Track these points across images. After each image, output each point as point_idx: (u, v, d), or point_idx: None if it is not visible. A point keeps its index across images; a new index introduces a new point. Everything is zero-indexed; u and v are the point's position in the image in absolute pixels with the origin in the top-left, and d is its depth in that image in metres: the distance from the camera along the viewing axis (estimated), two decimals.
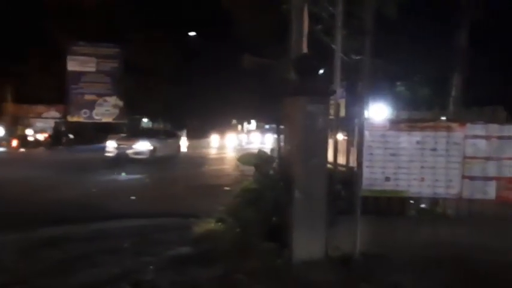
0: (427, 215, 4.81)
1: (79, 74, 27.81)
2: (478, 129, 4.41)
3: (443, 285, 3.91)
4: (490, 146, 4.39)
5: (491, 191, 4.43)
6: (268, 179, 4.58)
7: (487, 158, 4.40)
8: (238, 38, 18.12)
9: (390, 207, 4.70)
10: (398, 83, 18.46)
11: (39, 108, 29.10)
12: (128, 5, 26.19)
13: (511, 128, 4.43)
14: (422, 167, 4.46)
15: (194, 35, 30.07)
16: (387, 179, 4.53)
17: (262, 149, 5.02)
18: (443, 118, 5.09)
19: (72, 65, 27.61)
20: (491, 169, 4.41)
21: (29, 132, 24.90)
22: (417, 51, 15.35)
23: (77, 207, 7.46)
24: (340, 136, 5.15)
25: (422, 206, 4.96)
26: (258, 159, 4.75)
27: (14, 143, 22.13)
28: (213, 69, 30.60)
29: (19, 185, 10.00)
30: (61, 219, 6.32)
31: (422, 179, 4.51)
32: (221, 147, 29.10)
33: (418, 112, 4.91)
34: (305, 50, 5.45)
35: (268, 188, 4.44)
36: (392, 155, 4.49)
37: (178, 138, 21.43)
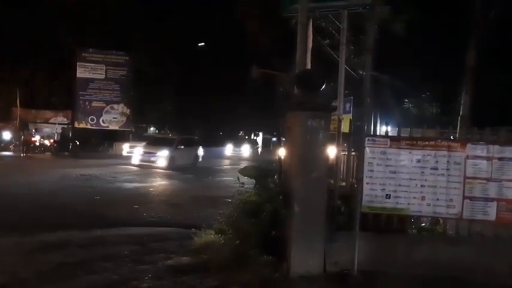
0: (427, 234, 4.78)
1: (88, 81, 28.13)
2: (479, 149, 4.40)
3: None
4: (491, 167, 4.38)
5: (491, 212, 4.40)
6: (268, 191, 4.61)
7: (488, 179, 4.38)
8: (248, 50, 18.34)
9: (390, 224, 4.68)
10: (406, 100, 18.44)
11: (47, 113, 29.41)
12: (137, 13, 26.65)
13: None
14: (422, 186, 4.45)
15: (202, 45, 30.41)
16: (387, 196, 4.51)
17: (264, 162, 5.05)
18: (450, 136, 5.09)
19: (82, 71, 27.94)
20: (492, 190, 4.39)
21: (35, 137, 25.13)
22: (425, 69, 15.39)
23: (79, 214, 7.52)
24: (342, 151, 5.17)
25: (423, 224, 4.93)
26: (259, 172, 4.78)
27: (21, 147, 22.33)
28: (221, 80, 30.90)
29: (24, 189, 10.09)
30: (63, 224, 6.38)
31: (423, 198, 4.49)
32: (233, 158, 29.27)
33: (420, 129, 4.91)
34: (309, 65, 5.51)
35: (268, 200, 4.47)
36: (393, 172, 4.48)
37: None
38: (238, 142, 35.17)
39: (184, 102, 30.18)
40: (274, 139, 36.36)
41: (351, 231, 4.26)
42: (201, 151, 21.90)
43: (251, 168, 4.97)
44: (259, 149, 35.16)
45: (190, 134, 28.83)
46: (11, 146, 23.29)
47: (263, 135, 47.63)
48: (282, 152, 5.17)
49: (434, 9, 14.08)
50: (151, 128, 33.53)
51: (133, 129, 28.59)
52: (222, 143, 35.27)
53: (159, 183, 13.22)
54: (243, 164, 21.49)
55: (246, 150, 32.82)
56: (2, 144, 23.72)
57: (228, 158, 29.94)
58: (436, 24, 14.19)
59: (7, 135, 24.72)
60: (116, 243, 5.45)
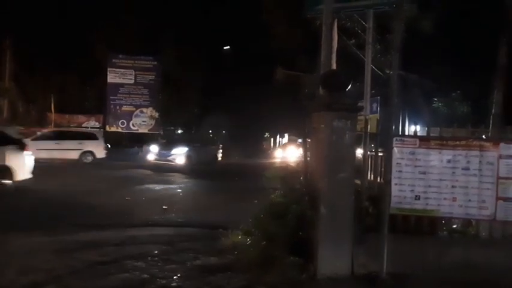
0: (459, 236, 4.66)
1: (118, 86, 28.92)
2: None
3: None
4: None
5: None
6: (294, 192, 4.62)
7: None
8: (272, 52, 18.39)
9: (420, 226, 4.58)
10: (435, 99, 18.00)
11: (80, 118, 30.45)
12: (163, 18, 27.25)
13: None
14: (453, 187, 4.34)
15: (228, 49, 30.71)
16: (417, 197, 4.43)
17: (289, 163, 5.07)
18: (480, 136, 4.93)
19: (112, 77, 28.76)
20: None
21: None
22: (455, 67, 14.97)
23: (111, 214, 7.74)
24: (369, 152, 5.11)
25: (454, 226, 4.81)
26: (285, 173, 4.80)
27: None
28: (246, 82, 31.08)
29: (58, 191, 10.48)
30: (96, 225, 6.59)
31: (454, 199, 4.38)
32: (265, 159, 29.44)
33: (450, 129, 4.78)
34: (334, 65, 5.49)
35: (294, 201, 4.48)
36: (422, 173, 4.39)
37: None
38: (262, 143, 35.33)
39: (210, 105, 30.55)
40: (299, 140, 36.18)
41: (379, 233, 4.20)
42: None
43: (277, 170, 4.99)
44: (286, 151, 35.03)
45: (215, 135, 29.20)
46: None
47: (288, 136, 47.50)
48: (307, 153, 5.16)
49: (464, 5, 13.68)
50: (179, 131, 34.10)
51: (162, 132, 29.15)
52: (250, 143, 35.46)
53: (185, 184, 13.41)
54: (269, 165, 21.61)
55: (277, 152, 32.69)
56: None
57: (259, 159, 30.08)
58: (466, 20, 13.78)
59: None
60: (146, 243, 5.59)
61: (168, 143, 19.20)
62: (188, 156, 17.52)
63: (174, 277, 4.28)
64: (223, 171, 18.16)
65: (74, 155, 19.25)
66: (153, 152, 18.03)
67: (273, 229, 4.57)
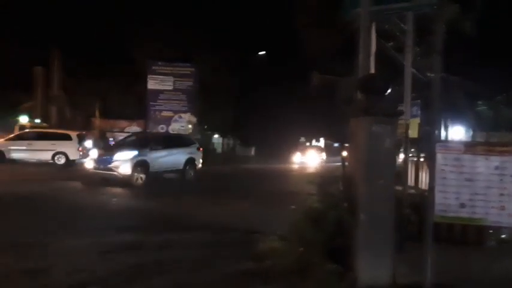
0: (508, 246, 4.41)
1: (158, 92, 29.86)
2: None
3: None
4: None
5: None
6: (331, 198, 4.55)
7: None
8: (307, 56, 18.27)
9: (465, 235, 4.40)
10: (479, 102, 17.20)
11: (122, 123, 31.69)
12: (199, 24, 27.85)
13: None
14: (501, 194, 4.11)
15: (263, 54, 30.86)
16: (462, 205, 4.23)
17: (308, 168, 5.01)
18: None
19: (152, 83, 29.74)
20: None
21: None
22: (500, 69, 14.24)
23: (150, 217, 7.95)
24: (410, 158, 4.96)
25: (503, 236, 4.56)
26: (322, 179, 4.74)
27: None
28: (281, 86, 31.07)
29: (102, 194, 10.90)
30: (135, 227, 6.80)
31: (502, 208, 4.15)
32: (299, 164, 29.29)
33: (497, 133, 4.54)
34: (373, 69, 5.37)
35: (331, 207, 4.41)
36: (468, 180, 4.20)
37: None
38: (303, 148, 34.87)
39: (245, 109, 30.80)
40: (336, 145, 35.63)
41: (422, 242, 4.05)
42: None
43: (314, 175, 4.94)
44: (324, 156, 34.54)
45: (251, 141, 29.17)
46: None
47: (325, 140, 46.93)
48: (345, 158, 5.07)
49: (510, 5, 13.01)
50: (215, 135, 34.59)
51: (199, 137, 29.72)
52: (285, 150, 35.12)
53: (217, 189, 13.55)
54: (302, 171, 21.40)
55: (312, 157, 32.02)
56: (85, 152, 25.91)
57: (292, 164, 29.95)
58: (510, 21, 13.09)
59: (89, 143, 26.98)
60: (183, 247, 5.70)
61: (114, 146, 15.53)
62: (138, 164, 12.56)
63: (212, 281, 4.32)
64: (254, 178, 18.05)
65: (47, 156, 18.63)
66: (92, 158, 13.35)
67: (309, 235, 4.52)
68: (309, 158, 31.91)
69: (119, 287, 4.19)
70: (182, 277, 4.44)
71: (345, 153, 5.38)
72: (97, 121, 30.06)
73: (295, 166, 28.37)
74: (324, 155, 34.21)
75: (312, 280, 4.13)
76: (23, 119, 26.60)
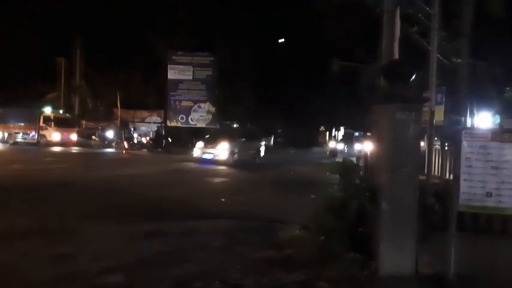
0: None
1: (177, 82, 29.98)
2: None
3: None
4: None
5: None
6: (353, 187, 4.51)
7: None
8: (327, 43, 17.96)
9: (490, 225, 4.30)
10: (507, 88, 16.60)
11: (143, 113, 32.10)
12: (216, 13, 27.78)
13: None
14: None
15: (283, 41, 30.54)
16: (488, 194, 4.14)
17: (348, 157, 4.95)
18: None
19: (172, 73, 29.86)
20: None
21: (134, 135, 27.96)
22: None
23: (174, 206, 8.07)
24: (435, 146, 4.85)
25: None
26: (344, 167, 4.70)
27: (125, 144, 24.83)
28: (300, 74, 30.80)
29: (125, 182, 11.13)
30: (159, 215, 6.92)
31: None
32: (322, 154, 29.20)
33: None
34: (397, 54, 5.24)
35: (353, 196, 4.37)
36: (495, 168, 4.09)
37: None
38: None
39: (264, 99, 30.64)
40: (356, 133, 35.15)
41: (446, 232, 3.98)
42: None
43: (336, 164, 4.90)
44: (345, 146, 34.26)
45: (270, 130, 29.21)
46: (113, 144, 25.85)
47: (345, 129, 46.39)
48: (367, 147, 5.01)
49: None
50: (235, 125, 34.64)
51: (219, 126, 29.81)
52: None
53: (238, 178, 13.63)
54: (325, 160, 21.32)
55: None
56: (106, 142, 26.44)
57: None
58: None
59: (110, 133, 27.46)
60: (206, 234, 5.77)
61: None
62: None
63: (234, 269, 4.36)
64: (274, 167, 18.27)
65: None
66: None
67: (331, 224, 4.50)
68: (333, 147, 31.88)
69: (146, 272, 4.29)
70: (206, 264, 4.49)
71: (366, 142, 5.31)
72: (119, 111, 30.52)
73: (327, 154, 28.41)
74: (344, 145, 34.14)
75: (333, 268, 4.13)
76: (47, 110, 27.33)
